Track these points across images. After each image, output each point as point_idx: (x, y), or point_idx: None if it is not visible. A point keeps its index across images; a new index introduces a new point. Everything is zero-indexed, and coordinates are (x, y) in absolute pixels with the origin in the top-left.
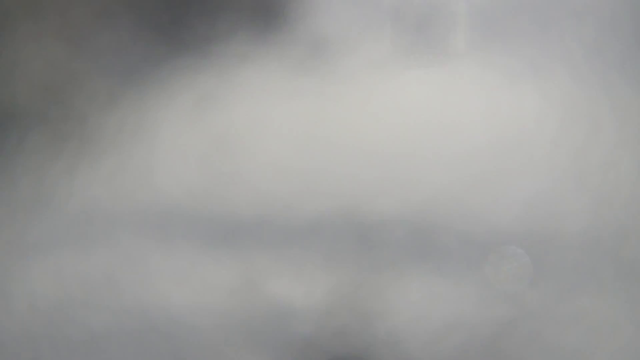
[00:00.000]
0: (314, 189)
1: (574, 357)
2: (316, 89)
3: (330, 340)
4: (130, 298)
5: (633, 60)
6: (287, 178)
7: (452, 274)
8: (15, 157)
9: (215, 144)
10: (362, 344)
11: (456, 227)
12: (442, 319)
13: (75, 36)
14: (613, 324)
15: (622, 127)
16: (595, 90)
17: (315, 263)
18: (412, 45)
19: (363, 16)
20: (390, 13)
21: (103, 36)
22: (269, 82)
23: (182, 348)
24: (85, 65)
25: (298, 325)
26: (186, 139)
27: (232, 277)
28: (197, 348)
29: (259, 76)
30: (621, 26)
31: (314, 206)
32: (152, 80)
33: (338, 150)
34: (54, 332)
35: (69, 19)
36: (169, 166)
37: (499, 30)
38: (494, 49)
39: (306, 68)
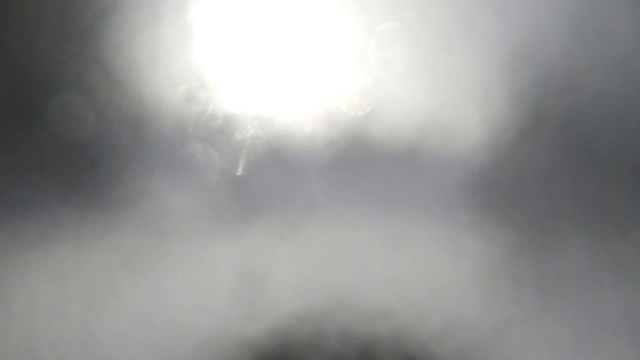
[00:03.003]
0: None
1: (573, 357)
2: None
3: (331, 340)
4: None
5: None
6: None
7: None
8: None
9: None
10: (362, 344)
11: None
12: (443, 318)
13: None
14: (613, 323)
15: None
16: None
17: None
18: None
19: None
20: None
21: None
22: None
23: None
24: None
25: (298, 326)
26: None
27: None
28: (197, 349)
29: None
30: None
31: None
32: None
33: None
34: (54, 332)
35: None
36: None
37: None
38: None
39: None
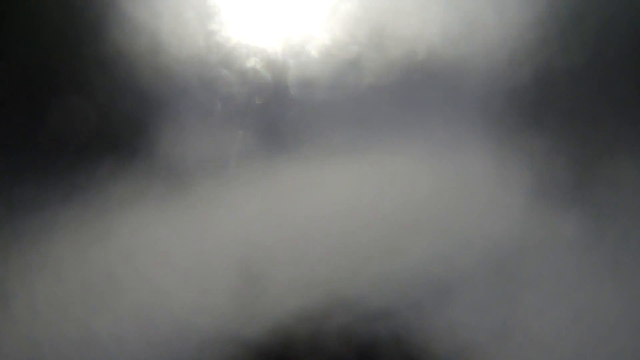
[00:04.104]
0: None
1: (573, 357)
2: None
3: (331, 340)
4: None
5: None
6: None
7: None
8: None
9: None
10: (362, 344)
11: None
12: (443, 318)
13: None
14: (613, 324)
15: None
16: None
17: None
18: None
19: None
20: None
21: None
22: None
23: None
24: None
25: (297, 325)
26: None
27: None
28: (197, 349)
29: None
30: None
31: None
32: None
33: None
34: (54, 332)
35: None
36: None
37: None
38: None
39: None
